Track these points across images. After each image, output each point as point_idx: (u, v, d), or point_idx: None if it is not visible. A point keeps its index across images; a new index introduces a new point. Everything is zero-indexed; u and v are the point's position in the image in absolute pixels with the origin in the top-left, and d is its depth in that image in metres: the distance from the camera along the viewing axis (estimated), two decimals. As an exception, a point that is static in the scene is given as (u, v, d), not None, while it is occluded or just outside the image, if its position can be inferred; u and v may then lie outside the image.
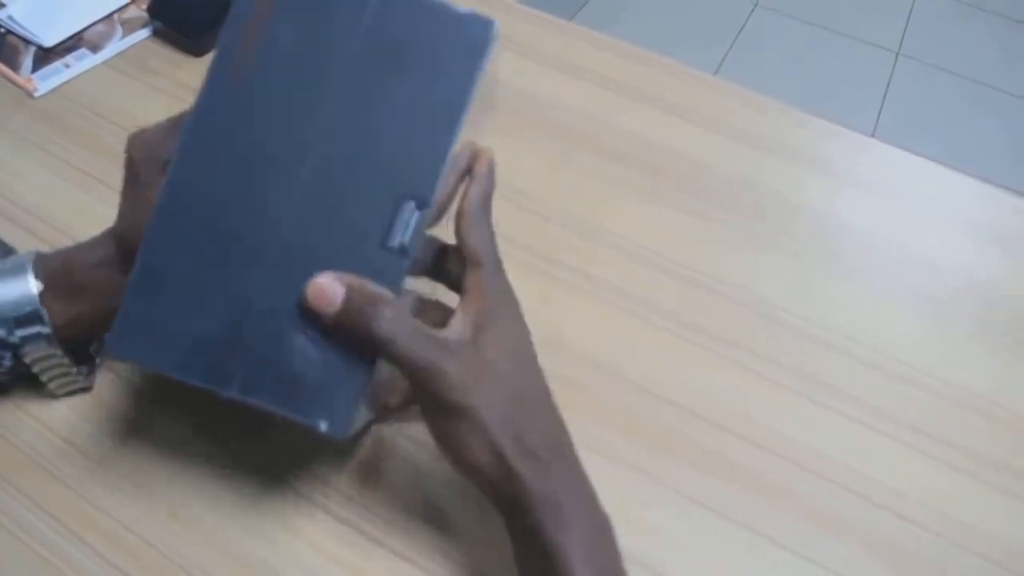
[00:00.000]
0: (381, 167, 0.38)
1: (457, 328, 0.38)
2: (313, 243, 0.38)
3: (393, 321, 0.37)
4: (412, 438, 0.49)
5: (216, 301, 0.38)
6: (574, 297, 0.57)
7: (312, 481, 0.47)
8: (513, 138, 0.67)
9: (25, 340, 0.44)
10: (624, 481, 0.48)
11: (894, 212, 0.64)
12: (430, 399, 0.38)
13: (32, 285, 0.44)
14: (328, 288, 0.37)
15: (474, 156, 0.42)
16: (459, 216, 0.40)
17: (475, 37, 0.39)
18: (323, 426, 0.38)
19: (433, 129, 0.38)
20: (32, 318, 0.44)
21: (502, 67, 0.73)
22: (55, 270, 0.45)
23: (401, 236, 0.38)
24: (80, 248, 0.47)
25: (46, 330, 0.44)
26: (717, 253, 0.60)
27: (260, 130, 0.39)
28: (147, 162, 0.42)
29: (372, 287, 0.37)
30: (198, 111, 0.39)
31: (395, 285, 0.38)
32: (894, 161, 0.69)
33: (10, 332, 0.44)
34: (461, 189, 0.41)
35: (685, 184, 0.65)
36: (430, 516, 0.46)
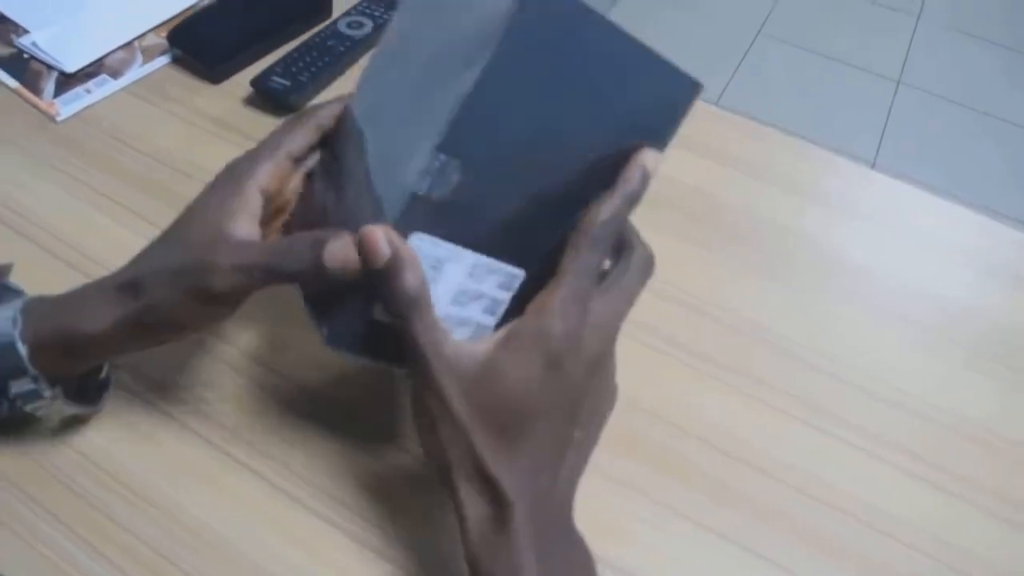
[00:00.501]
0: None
1: (479, 343, 0.39)
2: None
3: (417, 295, 0.38)
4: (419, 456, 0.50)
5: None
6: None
7: (330, 502, 0.48)
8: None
9: (17, 396, 0.44)
10: (621, 498, 0.50)
11: (892, 242, 0.66)
12: (413, 378, 0.39)
13: (20, 350, 0.42)
14: (381, 241, 0.37)
15: (632, 159, 0.41)
16: (577, 227, 0.40)
17: (676, 95, 0.43)
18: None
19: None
20: (32, 394, 0.44)
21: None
22: (47, 336, 0.43)
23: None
24: (81, 311, 0.43)
25: (39, 386, 0.43)
26: (716, 280, 0.62)
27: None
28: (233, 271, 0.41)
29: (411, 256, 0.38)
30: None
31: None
32: (892, 192, 0.71)
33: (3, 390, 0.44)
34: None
35: (686, 212, 0.66)
36: (434, 530, 0.47)
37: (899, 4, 2.63)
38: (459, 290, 0.42)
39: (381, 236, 0.37)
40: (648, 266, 0.44)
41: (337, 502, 0.48)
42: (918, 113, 2.26)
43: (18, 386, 0.43)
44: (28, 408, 0.45)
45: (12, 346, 0.42)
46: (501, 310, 0.44)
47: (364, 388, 0.53)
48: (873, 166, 2.07)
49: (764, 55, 2.40)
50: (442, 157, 0.37)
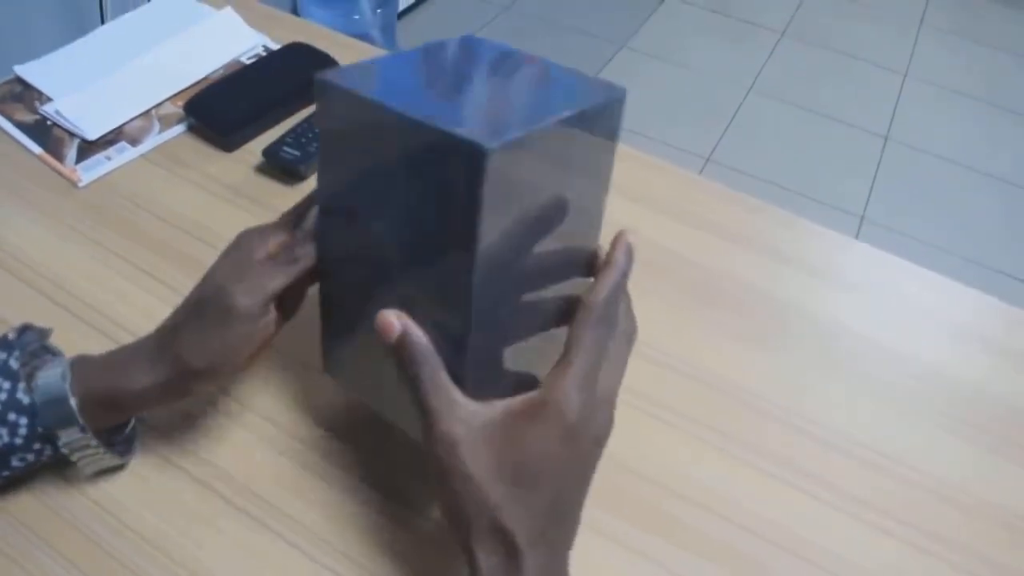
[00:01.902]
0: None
1: (487, 405, 0.42)
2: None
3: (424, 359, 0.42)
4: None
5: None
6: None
7: (335, 554, 0.51)
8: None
9: (66, 444, 0.48)
10: (610, 555, 0.52)
11: (877, 311, 0.69)
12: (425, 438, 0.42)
13: (71, 403, 0.47)
14: (393, 322, 0.42)
15: (615, 240, 0.46)
16: (581, 306, 0.43)
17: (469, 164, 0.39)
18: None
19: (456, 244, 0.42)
20: (69, 421, 0.47)
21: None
22: (97, 392, 0.48)
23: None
24: (127, 370, 0.49)
25: (86, 435, 0.48)
26: (701, 345, 0.65)
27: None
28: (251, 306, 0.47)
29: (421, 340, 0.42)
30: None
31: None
32: (874, 261, 0.74)
33: (48, 434, 0.48)
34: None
35: (673, 279, 0.70)
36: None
37: (886, 62, 2.70)
38: None
39: (394, 320, 0.42)
40: (633, 337, 0.48)
41: (342, 554, 0.51)
42: (906, 168, 2.32)
43: (67, 435, 0.48)
44: (74, 457, 0.50)
45: (64, 399, 0.47)
46: None
47: (372, 448, 0.56)
48: (862, 219, 2.12)
49: (755, 112, 2.46)
50: None
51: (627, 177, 0.78)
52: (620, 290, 0.45)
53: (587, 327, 0.42)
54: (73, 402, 0.47)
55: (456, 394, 0.42)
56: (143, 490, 0.53)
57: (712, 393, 0.62)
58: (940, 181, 2.29)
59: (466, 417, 0.41)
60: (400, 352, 0.42)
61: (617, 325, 0.45)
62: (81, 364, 0.49)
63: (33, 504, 0.52)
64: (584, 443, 0.43)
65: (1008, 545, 0.55)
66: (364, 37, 2.31)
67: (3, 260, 0.67)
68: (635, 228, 0.46)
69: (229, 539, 0.52)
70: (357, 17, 2.30)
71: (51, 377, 0.48)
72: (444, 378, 0.42)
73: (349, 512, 0.53)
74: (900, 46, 2.79)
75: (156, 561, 0.50)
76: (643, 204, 0.76)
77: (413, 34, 2.61)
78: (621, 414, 0.59)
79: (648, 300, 0.68)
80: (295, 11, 2.40)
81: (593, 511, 0.53)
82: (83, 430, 0.48)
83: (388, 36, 2.42)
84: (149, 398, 0.49)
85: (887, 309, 0.69)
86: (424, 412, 0.42)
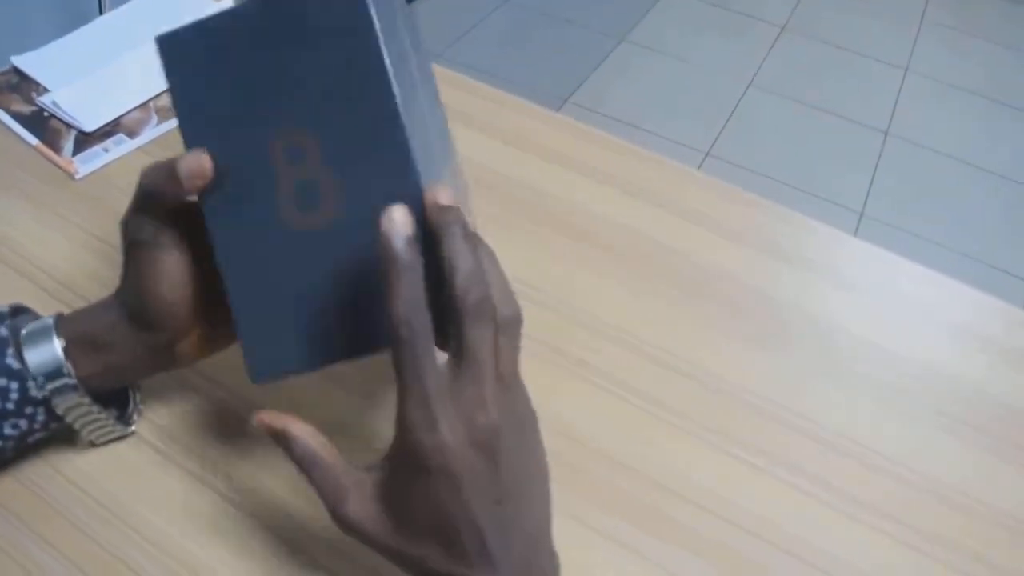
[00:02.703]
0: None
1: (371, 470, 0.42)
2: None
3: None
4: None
5: (304, 295, 0.43)
6: (542, 369, 0.62)
7: (327, 551, 0.51)
8: (503, 225, 0.72)
9: (54, 392, 0.48)
10: (606, 553, 0.52)
11: (872, 308, 0.69)
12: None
13: (56, 344, 0.48)
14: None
15: (429, 204, 0.40)
16: (455, 306, 0.38)
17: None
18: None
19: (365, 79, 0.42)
20: (58, 372, 0.47)
21: (493, 156, 0.78)
22: (76, 329, 0.49)
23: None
24: (95, 308, 0.50)
25: (72, 381, 0.48)
26: (698, 342, 0.65)
27: (240, 146, 0.44)
28: (134, 243, 0.46)
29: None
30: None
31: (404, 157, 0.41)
32: (872, 258, 0.73)
33: (40, 387, 0.47)
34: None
35: (671, 276, 0.70)
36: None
37: (887, 57, 2.70)
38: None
39: (272, 421, 0.44)
40: (515, 321, 0.41)
41: (335, 551, 0.51)
42: (905, 163, 2.32)
43: (64, 400, 0.48)
44: (77, 424, 0.51)
45: (48, 329, 0.48)
46: None
47: (363, 444, 0.56)
48: (861, 215, 2.12)
49: (754, 106, 2.45)
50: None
51: (624, 171, 0.78)
52: (476, 259, 0.39)
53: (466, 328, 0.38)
54: (58, 343, 0.48)
55: (344, 478, 0.42)
56: (134, 481, 0.54)
57: (708, 391, 0.62)
58: (940, 176, 2.29)
59: (359, 496, 0.41)
60: (287, 452, 0.43)
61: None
62: (61, 316, 0.51)
63: (21, 492, 0.52)
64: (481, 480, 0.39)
65: (1007, 546, 0.55)
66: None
67: (0, 252, 0.67)
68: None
69: (222, 532, 0.52)
70: (356, 8, 2.28)
71: (38, 322, 0.49)
72: (331, 469, 0.42)
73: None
74: (901, 41, 2.79)
75: (146, 552, 0.50)
76: (640, 199, 0.75)
77: (412, 26, 2.60)
78: (616, 411, 0.60)
79: (644, 296, 0.68)
80: None
81: (589, 509, 0.54)
82: (76, 390, 0.48)
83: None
84: (123, 332, 0.48)
85: (885, 307, 0.69)
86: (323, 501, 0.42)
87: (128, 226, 0.46)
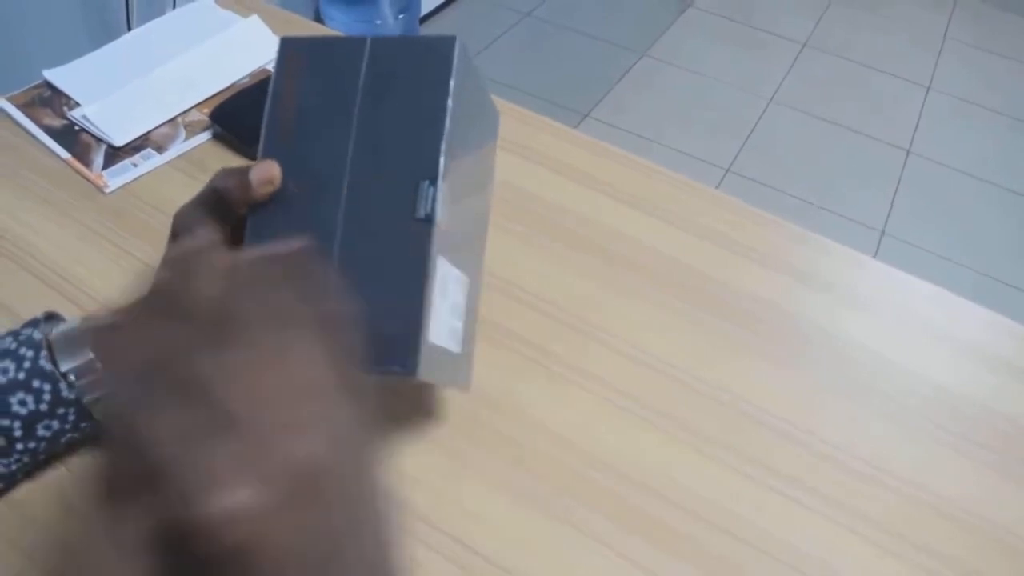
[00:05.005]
0: (400, 163, 0.47)
1: None
2: (365, 231, 0.47)
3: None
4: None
5: None
6: (566, 389, 0.62)
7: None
8: (518, 237, 0.73)
9: (84, 388, 0.50)
10: (607, 564, 0.53)
11: (889, 329, 0.69)
12: None
13: (85, 343, 0.50)
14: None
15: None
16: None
17: (443, 52, 0.48)
18: (396, 369, 0.45)
19: (428, 127, 0.47)
20: (88, 368, 0.49)
21: (509, 169, 0.79)
22: (103, 327, 0.51)
23: (424, 208, 0.46)
24: (122, 309, 0.52)
25: (102, 375, 0.50)
26: (706, 357, 0.65)
27: (309, 163, 0.48)
28: (185, 234, 0.48)
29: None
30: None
31: (426, 248, 0.46)
32: (891, 281, 0.74)
33: (71, 387, 0.49)
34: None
35: (681, 291, 0.70)
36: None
37: (909, 75, 2.69)
38: (453, 302, 0.50)
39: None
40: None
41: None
42: (927, 182, 2.31)
43: (82, 380, 0.50)
44: (89, 402, 0.51)
45: (74, 330, 0.50)
46: (461, 312, 0.52)
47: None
48: (882, 233, 2.11)
49: (775, 123, 2.45)
50: (427, 185, 0.46)
51: (643, 189, 0.79)
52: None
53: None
54: (87, 339, 0.50)
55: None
56: None
57: (723, 408, 0.62)
58: (961, 195, 2.28)
59: None
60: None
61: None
62: (86, 317, 0.53)
63: (43, 498, 0.54)
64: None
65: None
66: (387, 41, 2.33)
67: (29, 264, 0.68)
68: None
69: None
70: (379, 22, 2.31)
71: (67, 324, 0.52)
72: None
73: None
74: (923, 59, 2.78)
75: None
76: (660, 218, 0.76)
77: (435, 39, 2.62)
78: (626, 424, 0.60)
79: (661, 313, 0.68)
80: (317, 15, 2.42)
81: (603, 523, 0.54)
82: (99, 371, 0.50)
83: (410, 41, 2.43)
84: None
85: (900, 327, 0.69)
86: None
87: (183, 218, 0.49)
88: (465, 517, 0.55)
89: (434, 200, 0.46)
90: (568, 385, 0.63)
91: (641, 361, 0.65)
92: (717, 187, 2.20)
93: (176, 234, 0.49)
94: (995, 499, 0.59)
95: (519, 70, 2.57)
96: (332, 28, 2.31)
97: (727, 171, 2.26)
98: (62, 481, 0.55)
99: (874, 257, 0.76)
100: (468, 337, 0.56)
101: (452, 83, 0.48)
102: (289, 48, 0.51)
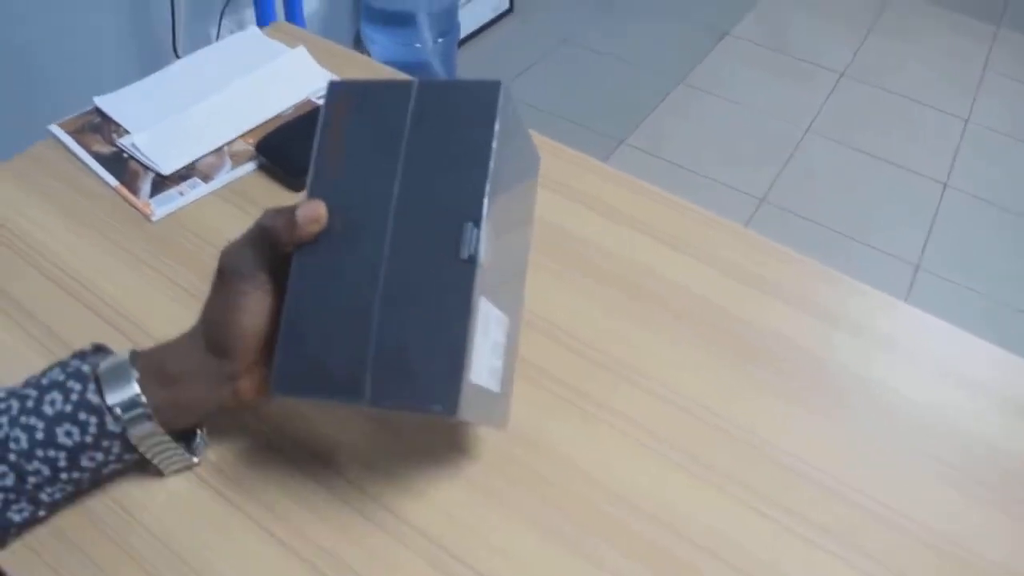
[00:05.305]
0: (444, 205, 0.49)
1: None
2: (408, 270, 0.48)
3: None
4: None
5: (343, 335, 0.48)
6: (598, 429, 0.63)
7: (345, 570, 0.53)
8: (552, 275, 0.74)
9: (129, 422, 0.51)
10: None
11: (920, 376, 0.69)
12: None
13: (132, 377, 0.51)
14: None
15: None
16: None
17: (487, 97, 0.50)
18: (437, 408, 0.46)
19: (472, 169, 0.49)
20: (134, 403, 0.51)
21: (544, 206, 0.79)
22: (150, 362, 0.53)
23: (468, 249, 0.47)
24: (170, 343, 0.55)
25: (147, 411, 0.51)
26: (737, 398, 0.66)
27: (355, 203, 0.50)
28: (232, 272, 0.51)
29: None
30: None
31: (469, 289, 0.47)
32: (922, 326, 0.73)
33: (116, 421, 0.51)
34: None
35: (712, 331, 0.70)
36: None
37: (948, 107, 2.67)
38: (494, 341, 0.51)
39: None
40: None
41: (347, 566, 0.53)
42: (964, 216, 2.28)
43: (138, 429, 0.52)
44: (149, 453, 0.54)
45: (125, 366, 0.52)
46: (501, 351, 0.54)
47: (389, 469, 0.58)
48: (917, 268, 2.09)
49: (812, 152, 2.44)
50: (471, 227, 0.47)
51: (676, 227, 0.79)
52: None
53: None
54: (134, 375, 0.51)
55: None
56: (180, 510, 0.57)
57: (754, 452, 0.62)
58: (999, 231, 2.25)
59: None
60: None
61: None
62: (135, 351, 0.55)
63: (82, 522, 0.56)
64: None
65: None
66: (425, 65, 2.36)
67: (76, 290, 0.70)
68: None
69: (253, 557, 0.55)
70: (418, 46, 2.34)
71: (114, 357, 0.53)
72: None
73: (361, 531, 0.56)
74: (962, 91, 2.76)
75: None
76: (691, 256, 0.77)
77: (472, 63, 2.65)
78: (657, 466, 0.61)
79: (689, 352, 0.69)
80: (358, 37, 2.46)
81: (630, 564, 0.55)
82: (150, 418, 0.51)
83: (448, 65, 2.46)
84: (197, 365, 0.52)
85: (930, 373, 0.69)
86: None
87: (231, 256, 0.52)
88: (492, 553, 0.56)
89: (478, 241, 0.47)
90: (600, 424, 0.63)
91: (671, 402, 0.65)
92: (752, 216, 2.20)
93: (223, 271, 0.51)
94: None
95: (555, 95, 2.59)
96: (372, 52, 2.36)
97: (762, 200, 2.25)
98: (101, 507, 0.56)
99: (908, 292, 0.75)
100: (508, 377, 0.56)
101: (496, 126, 0.49)
102: (338, 91, 0.53)
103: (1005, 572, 0.57)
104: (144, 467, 0.57)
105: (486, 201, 0.48)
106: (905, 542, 0.58)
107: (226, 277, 0.51)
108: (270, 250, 0.50)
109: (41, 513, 0.54)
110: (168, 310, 0.69)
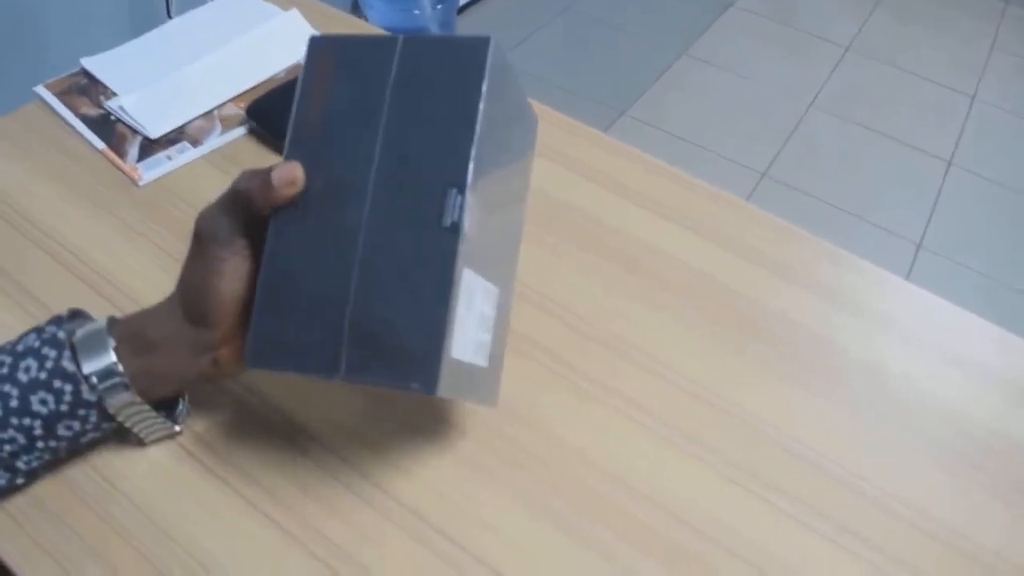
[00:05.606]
0: (427, 169, 0.46)
1: None
2: (388, 238, 0.46)
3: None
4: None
5: (320, 306, 0.46)
6: (591, 406, 0.62)
7: (330, 549, 0.52)
8: (548, 247, 0.73)
9: (105, 392, 0.50)
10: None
11: (913, 352, 0.68)
12: None
13: (109, 346, 0.50)
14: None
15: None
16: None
17: (476, 54, 0.47)
18: (414, 386, 0.44)
19: (458, 131, 0.46)
20: (110, 372, 0.49)
21: (540, 174, 0.78)
22: (128, 330, 0.51)
23: (451, 216, 0.45)
24: (148, 310, 0.53)
25: (124, 380, 0.50)
26: (732, 377, 0.64)
27: (335, 164, 0.47)
28: (209, 237, 0.49)
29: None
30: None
31: (451, 259, 0.45)
32: (926, 306, 0.72)
33: (93, 389, 0.49)
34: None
35: (710, 307, 0.69)
36: None
37: (954, 84, 2.64)
38: (481, 314, 0.49)
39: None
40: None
41: (333, 544, 0.52)
42: (968, 195, 2.26)
43: (116, 399, 0.50)
44: (128, 422, 0.53)
45: (101, 332, 0.51)
46: (490, 325, 0.51)
47: (387, 450, 0.57)
48: (919, 247, 2.08)
49: (815, 127, 2.42)
50: (454, 193, 0.45)
51: (677, 201, 0.77)
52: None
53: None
54: (110, 344, 0.50)
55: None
56: (162, 481, 0.56)
57: (744, 429, 0.61)
58: (1002, 210, 2.23)
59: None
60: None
61: None
62: (113, 319, 0.53)
63: (61, 492, 0.54)
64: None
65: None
66: (423, 32, 2.32)
67: (59, 253, 0.69)
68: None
69: (238, 531, 0.54)
70: (417, 12, 2.30)
71: (91, 325, 0.52)
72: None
73: (349, 507, 0.54)
74: (969, 67, 2.73)
75: (167, 548, 0.53)
76: (691, 230, 0.75)
77: (471, 30, 2.62)
78: (649, 444, 0.59)
79: (688, 330, 0.67)
80: (355, 3, 2.42)
81: (620, 543, 0.54)
82: (127, 388, 0.50)
83: (447, 32, 2.43)
84: (175, 332, 0.51)
85: (930, 351, 0.68)
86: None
87: (206, 221, 0.49)
88: (484, 530, 0.55)
89: (462, 209, 0.45)
90: (593, 402, 0.62)
91: (667, 379, 0.64)
92: (753, 191, 2.18)
93: (199, 236, 0.49)
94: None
95: (556, 65, 2.55)
96: (370, 18, 2.32)
97: (763, 175, 2.23)
98: (81, 476, 0.55)
99: (910, 270, 0.74)
100: (497, 351, 0.55)
101: (485, 86, 0.46)
102: (318, 47, 0.50)
103: (1001, 559, 0.56)
104: (125, 436, 0.56)
105: (471, 166, 0.45)
106: (900, 527, 0.57)
107: (203, 242, 0.49)
108: (246, 214, 0.48)
109: (19, 481, 0.52)
110: (156, 277, 0.68)
